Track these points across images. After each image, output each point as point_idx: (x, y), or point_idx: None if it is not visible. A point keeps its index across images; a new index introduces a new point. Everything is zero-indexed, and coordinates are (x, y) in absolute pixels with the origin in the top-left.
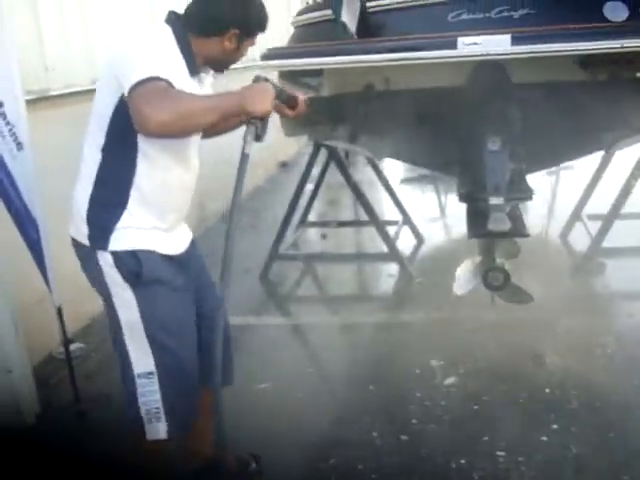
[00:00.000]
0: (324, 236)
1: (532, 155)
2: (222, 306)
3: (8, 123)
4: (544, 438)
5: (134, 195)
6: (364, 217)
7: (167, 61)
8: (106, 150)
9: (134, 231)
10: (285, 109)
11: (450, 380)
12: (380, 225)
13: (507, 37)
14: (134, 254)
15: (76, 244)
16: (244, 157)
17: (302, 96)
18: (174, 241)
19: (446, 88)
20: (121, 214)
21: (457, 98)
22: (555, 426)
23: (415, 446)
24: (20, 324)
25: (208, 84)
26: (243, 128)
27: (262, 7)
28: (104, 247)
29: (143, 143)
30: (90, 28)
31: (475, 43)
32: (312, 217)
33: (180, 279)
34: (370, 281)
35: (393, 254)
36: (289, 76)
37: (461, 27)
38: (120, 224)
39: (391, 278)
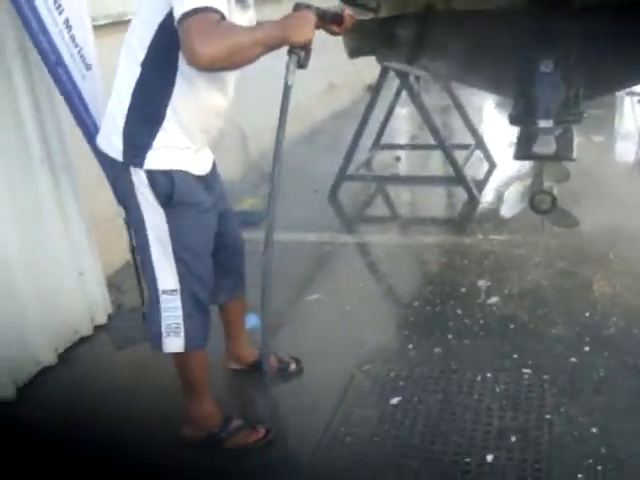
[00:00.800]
0: (398, 158)
1: (591, 80)
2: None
3: (76, 45)
4: (573, 359)
5: (170, 113)
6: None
7: None
8: (145, 65)
9: (169, 150)
10: (331, 26)
11: (493, 300)
12: (447, 149)
13: None
14: (169, 174)
15: (105, 157)
16: (287, 88)
17: (347, 11)
18: (203, 162)
19: (505, 9)
20: (157, 131)
21: (515, 19)
22: (587, 348)
23: (446, 359)
24: (92, 233)
25: (252, 8)
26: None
27: None
28: (140, 164)
29: (183, 63)
30: None
31: None
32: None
33: (206, 200)
34: (437, 204)
35: (459, 178)
36: None
37: None
38: (156, 142)
39: (459, 202)
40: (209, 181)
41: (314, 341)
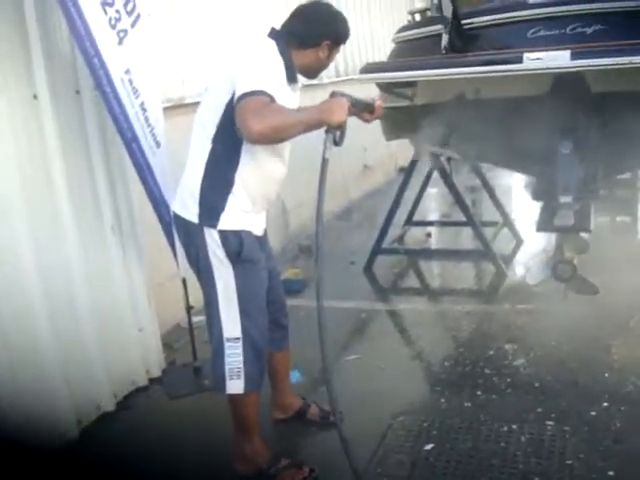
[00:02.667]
0: (429, 234)
1: (609, 160)
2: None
3: (149, 125)
4: (593, 413)
5: (238, 180)
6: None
7: (274, 73)
8: (216, 140)
9: (238, 213)
10: (364, 114)
11: (519, 362)
12: (476, 225)
13: (567, 53)
14: (238, 234)
15: (180, 221)
16: (324, 162)
17: (378, 102)
18: (261, 223)
19: (529, 96)
20: (227, 196)
21: (538, 105)
22: (606, 404)
23: (475, 412)
24: (152, 294)
25: (298, 91)
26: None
27: (346, 22)
28: (214, 225)
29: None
30: (218, 48)
31: (538, 58)
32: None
33: (262, 257)
34: (466, 276)
35: (487, 252)
36: (385, 87)
37: (539, 43)
38: (227, 206)
39: (487, 274)
40: (263, 240)
41: (353, 395)
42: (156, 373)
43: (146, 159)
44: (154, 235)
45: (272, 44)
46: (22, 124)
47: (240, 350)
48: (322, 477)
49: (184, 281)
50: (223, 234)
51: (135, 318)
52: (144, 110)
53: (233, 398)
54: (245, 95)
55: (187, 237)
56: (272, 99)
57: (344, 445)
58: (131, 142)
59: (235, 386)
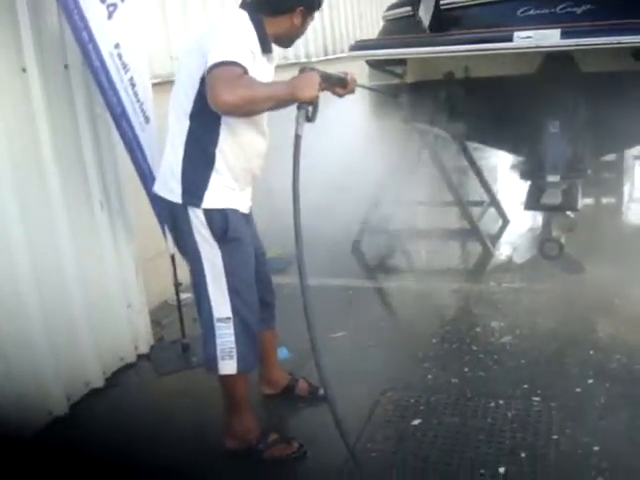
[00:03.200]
0: (416, 214)
1: (597, 140)
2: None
3: (138, 100)
4: (578, 389)
5: (219, 157)
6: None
7: (246, 44)
8: (193, 117)
9: (223, 190)
10: (337, 89)
11: (506, 339)
12: (463, 204)
13: (557, 31)
14: (223, 212)
15: (165, 202)
16: (297, 138)
17: (350, 75)
18: (246, 200)
19: (518, 75)
20: (210, 174)
21: (527, 85)
22: (591, 381)
23: (462, 388)
24: (140, 270)
25: (274, 61)
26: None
27: None
28: (198, 204)
29: None
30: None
31: (529, 37)
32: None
33: (249, 235)
34: (453, 256)
35: (474, 231)
36: (376, 65)
37: (528, 22)
38: (210, 184)
39: (474, 254)
40: (249, 219)
41: (340, 372)
42: (144, 349)
43: (135, 134)
44: (143, 211)
45: (243, 14)
46: (10, 97)
47: (231, 330)
48: (311, 452)
49: (172, 258)
50: (208, 213)
51: (124, 295)
52: (133, 85)
53: (224, 377)
54: (216, 65)
55: (172, 218)
56: (245, 70)
57: (337, 423)
58: (120, 117)
59: (228, 367)
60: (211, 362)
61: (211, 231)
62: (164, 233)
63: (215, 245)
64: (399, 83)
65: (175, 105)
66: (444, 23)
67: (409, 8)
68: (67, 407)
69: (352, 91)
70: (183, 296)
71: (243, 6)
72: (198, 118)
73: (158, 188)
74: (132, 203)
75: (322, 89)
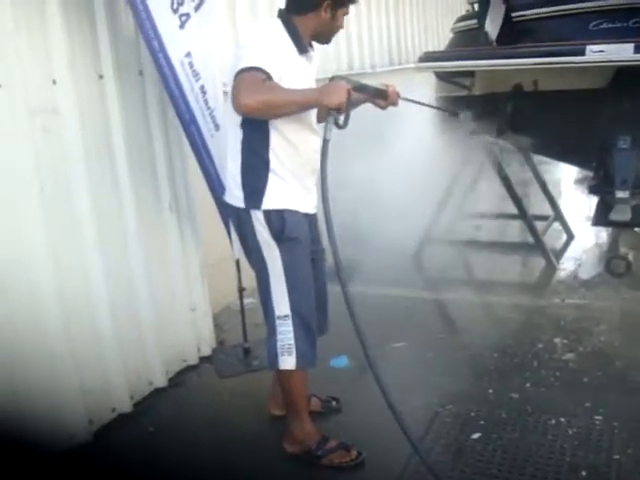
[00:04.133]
0: (478, 227)
1: None
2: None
3: (209, 108)
4: None
5: (273, 158)
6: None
7: (275, 51)
8: (244, 125)
9: (281, 191)
10: (378, 101)
11: (568, 356)
12: (527, 218)
13: (630, 46)
14: (280, 213)
15: (232, 208)
16: (325, 143)
17: (391, 87)
18: (309, 200)
19: (589, 90)
20: (267, 176)
21: (596, 98)
22: None
23: (523, 403)
24: (205, 274)
25: (315, 61)
26: None
27: None
28: (258, 207)
29: None
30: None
31: (601, 51)
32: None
33: (309, 236)
34: (515, 269)
35: (538, 245)
36: (444, 76)
37: (600, 35)
38: (269, 186)
39: (537, 268)
40: (312, 219)
41: (400, 382)
42: (207, 352)
43: (204, 141)
44: (209, 216)
45: (275, 21)
46: (87, 103)
47: (290, 327)
48: (371, 462)
49: (237, 263)
50: (267, 214)
51: (188, 297)
52: (204, 93)
53: (283, 375)
54: (241, 71)
55: (238, 223)
56: (269, 76)
57: (399, 422)
58: (189, 124)
59: (287, 362)
60: (272, 359)
61: (270, 231)
62: (230, 238)
63: (274, 245)
64: (467, 95)
65: (228, 116)
66: (512, 36)
67: (475, 21)
68: (130, 405)
69: (394, 104)
70: (246, 301)
71: (279, 14)
72: (248, 126)
73: (226, 197)
74: (200, 208)
75: (359, 100)
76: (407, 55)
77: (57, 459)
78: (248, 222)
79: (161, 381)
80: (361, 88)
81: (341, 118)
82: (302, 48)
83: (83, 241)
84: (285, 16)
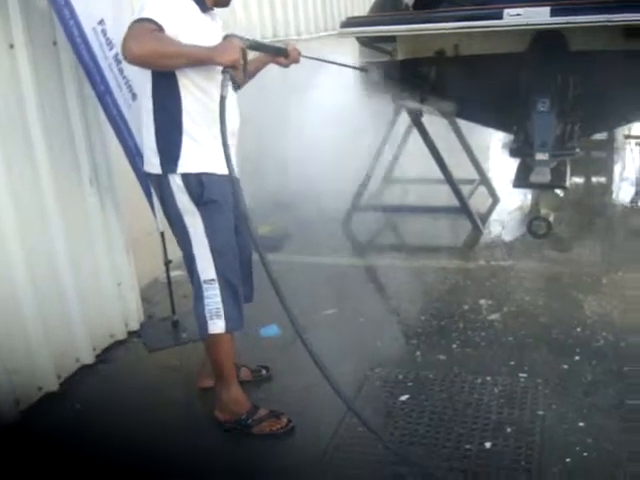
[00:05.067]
0: (405, 192)
1: (586, 118)
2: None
3: (124, 77)
4: (565, 366)
5: (186, 120)
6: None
7: (174, 7)
8: (154, 90)
9: (196, 155)
10: (279, 59)
11: (493, 316)
12: (453, 182)
13: (547, 9)
14: (199, 177)
15: (152, 177)
16: (222, 100)
17: (292, 45)
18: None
19: (508, 53)
20: (181, 138)
21: (516, 63)
22: (577, 358)
23: (449, 364)
24: (130, 249)
25: (219, 20)
26: None
27: None
28: (174, 170)
29: (180, 75)
30: None
31: (518, 14)
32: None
33: (228, 197)
34: (442, 233)
35: (464, 209)
36: (366, 42)
37: None
38: (183, 149)
39: (463, 232)
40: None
41: (330, 348)
42: (135, 326)
43: (120, 112)
44: (132, 189)
45: None
46: None
47: (217, 291)
48: (301, 426)
49: (162, 235)
50: (184, 177)
51: (114, 272)
52: (118, 62)
53: (209, 341)
54: (133, 22)
55: (159, 191)
56: (160, 28)
57: (330, 381)
58: (104, 94)
59: (216, 325)
60: (202, 325)
61: (189, 195)
62: (153, 211)
63: (195, 210)
64: (389, 60)
65: (139, 84)
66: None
67: None
68: (57, 383)
69: (296, 61)
70: (173, 274)
71: None
72: (159, 91)
73: (145, 166)
74: (121, 182)
75: (261, 61)
76: (334, 21)
77: None
78: (167, 188)
79: (88, 358)
80: (258, 47)
81: (232, 74)
82: (204, 7)
83: (0, 217)
84: None
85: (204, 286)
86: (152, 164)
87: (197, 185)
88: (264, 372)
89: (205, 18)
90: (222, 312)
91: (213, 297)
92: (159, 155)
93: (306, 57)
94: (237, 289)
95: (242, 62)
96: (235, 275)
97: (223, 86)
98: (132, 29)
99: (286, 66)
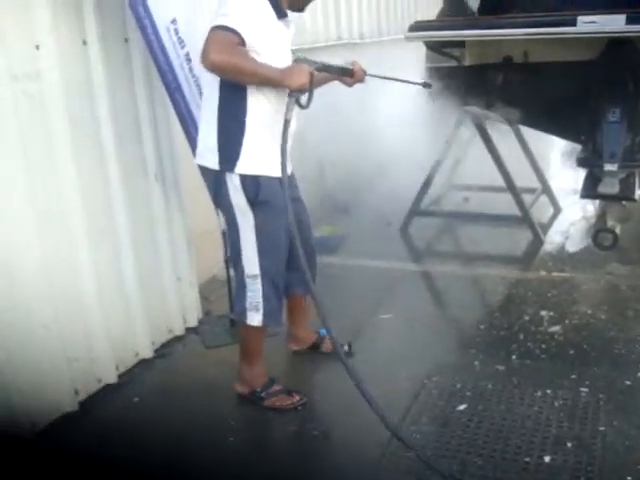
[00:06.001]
0: (466, 199)
1: None
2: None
3: (194, 76)
4: (627, 382)
5: (250, 121)
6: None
7: (253, 13)
8: (222, 88)
9: (256, 156)
10: (345, 79)
11: (554, 328)
12: (515, 190)
13: (622, 17)
14: (256, 179)
15: (205, 170)
16: (286, 123)
17: (357, 65)
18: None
19: (579, 62)
20: (242, 139)
21: (586, 70)
22: None
23: (509, 376)
24: (192, 244)
25: (293, 27)
26: None
27: None
28: (232, 170)
29: None
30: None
31: (593, 22)
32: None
33: (283, 199)
34: (502, 242)
35: (525, 218)
36: (433, 47)
37: (591, 6)
38: (244, 149)
39: (524, 241)
40: (291, 182)
41: (387, 353)
42: (193, 323)
43: (189, 109)
44: (196, 186)
45: None
46: (71, 69)
47: (259, 286)
48: (356, 431)
49: (224, 233)
50: (242, 178)
51: (174, 267)
52: (189, 61)
53: (245, 329)
54: (216, 28)
55: (212, 184)
56: (242, 41)
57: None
58: (174, 92)
59: (254, 318)
60: (240, 314)
61: (245, 195)
62: (216, 209)
63: (248, 209)
64: (457, 66)
65: (206, 81)
66: (496, 5)
67: None
68: (116, 376)
69: (361, 80)
70: (232, 272)
71: None
72: (225, 88)
73: (199, 159)
74: (186, 178)
75: (325, 79)
76: (396, 25)
77: (41, 429)
78: (223, 185)
79: (147, 352)
80: (325, 68)
81: (303, 98)
82: (280, 12)
83: (67, 209)
84: None
85: (247, 280)
86: (209, 159)
87: (253, 186)
88: (346, 348)
89: (280, 25)
90: (261, 307)
91: (255, 292)
92: (218, 153)
93: (371, 76)
94: (279, 287)
95: (309, 87)
96: (278, 274)
97: (288, 110)
98: (215, 36)
99: (350, 85)
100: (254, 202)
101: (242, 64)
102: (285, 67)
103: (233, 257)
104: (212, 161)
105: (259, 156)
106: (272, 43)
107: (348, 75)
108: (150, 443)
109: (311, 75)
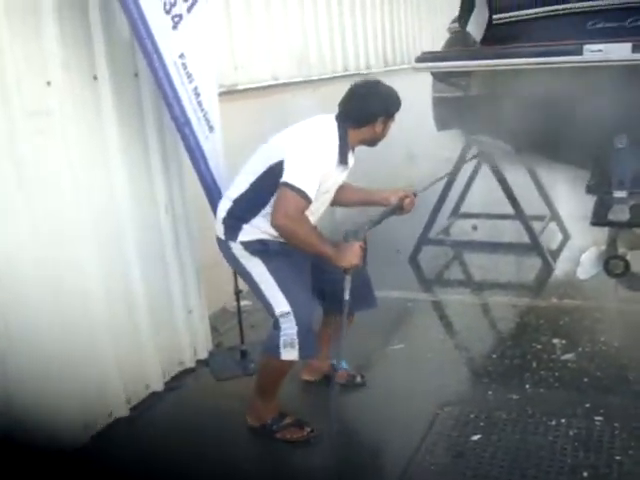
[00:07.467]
0: (475, 227)
1: None
2: None
3: (202, 110)
4: None
5: (261, 219)
6: None
7: (320, 169)
8: (253, 184)
9: (255, 233)
10: (399, 213)
11: (567, 356)
12: (525, 219)
13: (628, 45)
14: (261, 240)
15: (217, 239)
16: (344, 303)
17: (408, 200)
18: None
19: (585, 89)
20: (245, 224)
21: (592, 97)
22: None
23: (522, 405)
24: (202, 276)
25: (352, 160)
26: None
27: (397, 95)
28: (234, 239)
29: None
30: (272, 36)
31: (599, 50)
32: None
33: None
34: (512, 270)
35: (535, 246)
36: (440, 76)
37: (597, 35)
38: (244, 230)
39: (534, 268)
40: None
41: (399, 384)
42: (203, 355)
43: (198, 143)
44: (205, 218)
45: (332, 127)
46: (82, 104)
47: (293, 323)
48: (371, 463)
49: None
50: (244, 243)
51: (185, 300)
52: (197, 95)
53: (269, 363)
54: (292, 187)
55: (222, 250)
56: (308, 202)
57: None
58: (183, 126)
59: (291, 354)
60: (273, 349)
61: (250, 254)
62: None
63: (258, 260)
64: (462, 95)
65: (248, 168)
66: (498, 36)
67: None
68: (127, 409)
69: (410, 210)
70: (242, 303)
71: (337, 116)
72: (255, 188)
73: (216, 229)
74: (196, 211)
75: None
76: (402, 56)
77: (54, 463)
78: (228, 250)
79: (158, 384)
80: (377, 222)
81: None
82: (343, 159)
83: (78, 242)
84: (342, 126)
85: (280, 320)
86: (219, 230)
87: (259, 245)
88: (359, 379)
89: (337, 170)
90: (296, 342)
91: (290, 328)
92: (224, 227)
93: (421, 192)
94: (311, 318)
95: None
96: (308, 304)
97: (346, 289)
98: (289, 200)
99: (406, 213)
100: (263, 254)
101: (303, 237)
102: (340, 246)
103: (261, 301)
104: (221, 232)
105: (256, 233)
106: (323, 185)
107: (399, 210)
108: (163, 477)
109: (363, 251)
